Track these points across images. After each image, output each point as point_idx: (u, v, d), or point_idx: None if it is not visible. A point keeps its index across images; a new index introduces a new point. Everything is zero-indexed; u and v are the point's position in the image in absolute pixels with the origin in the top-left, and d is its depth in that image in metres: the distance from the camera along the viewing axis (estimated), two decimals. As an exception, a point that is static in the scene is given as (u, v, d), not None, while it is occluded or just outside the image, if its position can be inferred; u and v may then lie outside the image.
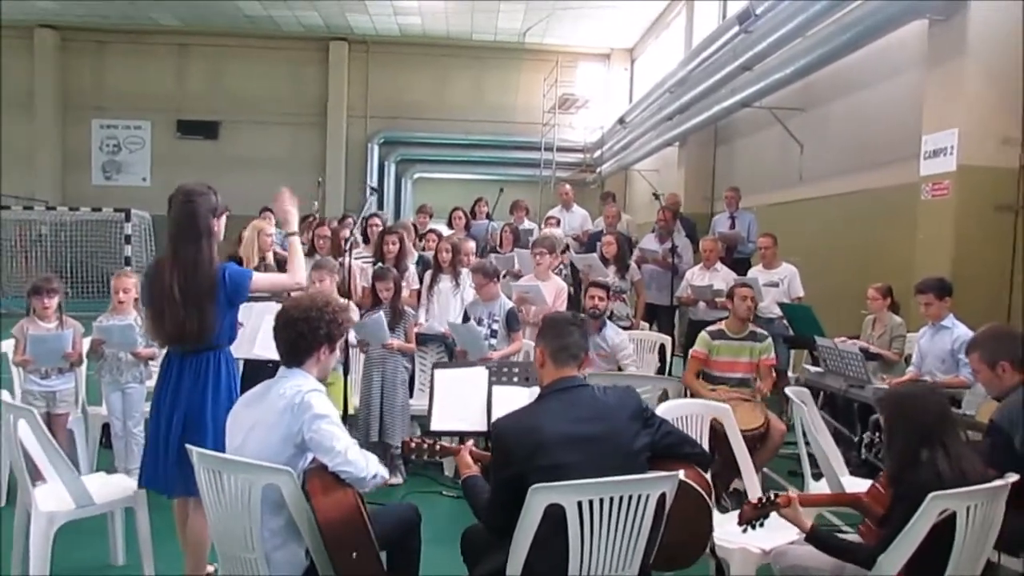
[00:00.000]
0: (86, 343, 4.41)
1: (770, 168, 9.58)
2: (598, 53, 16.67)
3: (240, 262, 5.00)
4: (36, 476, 3.24)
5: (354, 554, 2.26)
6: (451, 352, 5.24)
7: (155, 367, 4.55)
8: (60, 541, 3.13)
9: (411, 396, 5.10)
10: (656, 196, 7.68)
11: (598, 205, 13.59)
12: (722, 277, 6.36)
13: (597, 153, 15.60)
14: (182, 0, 14.47)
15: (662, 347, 5.93)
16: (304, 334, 2.52)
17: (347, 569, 2.29)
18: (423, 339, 5.26)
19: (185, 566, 3.10)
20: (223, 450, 2.63)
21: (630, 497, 2.20)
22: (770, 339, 4.85)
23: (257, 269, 4.72)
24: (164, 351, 3.31)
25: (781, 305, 6.08)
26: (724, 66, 8.87)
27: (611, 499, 2.18)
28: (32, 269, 13.98)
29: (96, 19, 15.76)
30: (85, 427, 4.56)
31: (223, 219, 3.17)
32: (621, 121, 13.77)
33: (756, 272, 6.56)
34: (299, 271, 3.26)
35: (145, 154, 16.80)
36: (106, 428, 4.67)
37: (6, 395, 3.41)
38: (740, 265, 7.31)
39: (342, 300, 3.28)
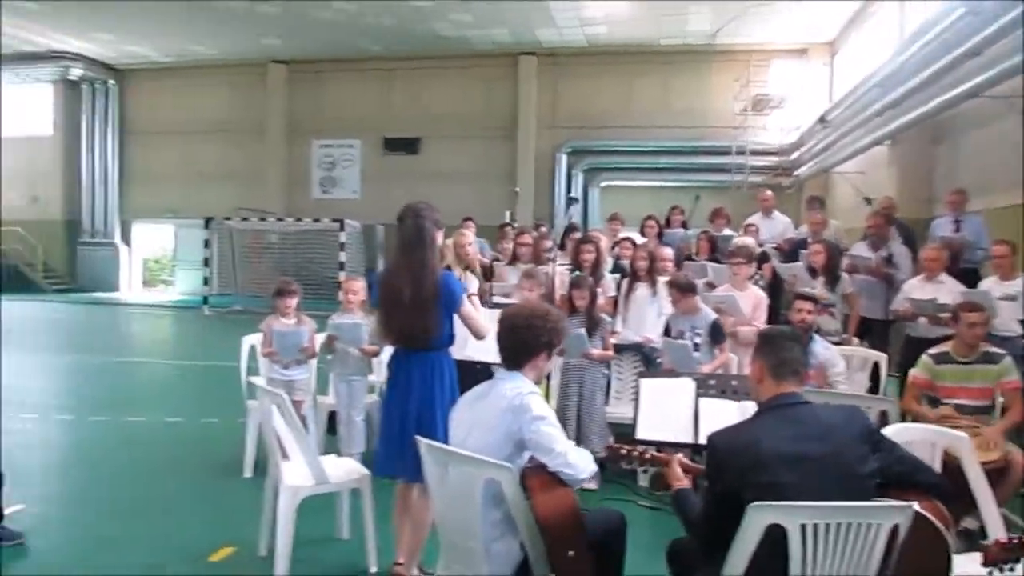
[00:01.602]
0: (318, 338, 4.94)
1: (1001, 166, 8.54)
2: (794, 49, 15.80)
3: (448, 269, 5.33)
4: (282, 454, 3.68)
5: (571, 552, 2.35)
6: (648, 360, 5.22)
7: (376, 362, 5.01)
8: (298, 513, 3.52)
9: (607, 403, 5.16)
10: (868, 201, 7.13)
11: (798, 210, 12.89)
12: (947, 289, 5.75)
13: (794, 155, 14.77)
14: (387, 28, 15.71)
15: (875, 365, 5.47)
16: (527, 340, 2.67)
17: (563, 567, 2.38)
18: (619, 348, 5.29)
19: (406, 544, 3.39)
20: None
21: (859, 525, 2.08)
22: (1009, 358, 4.30)
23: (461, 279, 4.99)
24: (391, 349, 3.65)
25: (1022, 322, 5.40)
26: (945, 53, 8.04)
27: (838, 525, 2.07)
28: (263, 273, 15.85)
29: (316, 52, 17.60)
30: (315, 414, 5.09)
31: (442, 232, 3.47)
32: (822, 120, 12.93)
33: (990, 284, 5.87)
34: (485, 328, 3.42)
35: (355, 170, 18.47)
36: (331, 416, 5.17)
37: (259, 381, 3.91)
38: (967, 276, 6.59)
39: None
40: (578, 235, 6.89)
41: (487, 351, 4.17)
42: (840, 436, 2.26)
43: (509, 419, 2.56)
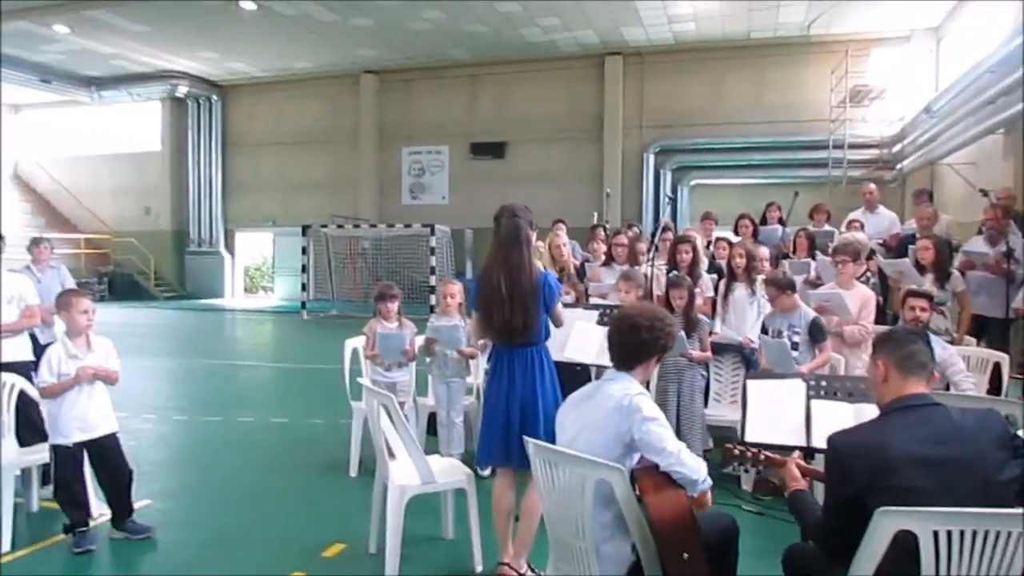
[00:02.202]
0: (417, 341, 5.05)
1: None
2: (896, 37, 15.05)
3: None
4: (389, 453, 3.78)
5: (685, 555, 2.31)
6: (748, 362, 5.09)
7: (473, 364, 5.09)
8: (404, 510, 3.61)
9: (706, 406, 5.06)
10: (984, 193, 6.72)
11: (901, 205, 12.27)
12: (1077, 285, 5.37)
13: (896, 148, 14.09)
14: (475, 35, 15.95)
15: (996, 366, 5.13)
16: (646, 341, 2.65)
17: (676, 569, 2.34)
18: (718, 348, 5.18)
19: (519, 533, 3.46)
20: (553, 438, 2.90)
21: (998, 533, 1.96)
22: None
23: (559, 279, 5.02)
24: (488, 349, 3.72)
25: None
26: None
27: (974, 533, 1.96)
28: (358, 278, 16.37)
29: (406, 60, 18.06)
30: (416, 415, 5.20)
31: (535, 233, 3.58)
32: (927, 110, 12.28)
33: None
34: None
35: (444, 176, 18.83)
36: (430, 417, 5.27)
37: (366, 383, 4.03)
38: (1099, 271, 6.12)
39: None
40: (670, 232, 6.79)
41: (587, 353, 4.20)
42: (976, 440, 2.14)
43: (618, 420, 2.55)
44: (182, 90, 20.08)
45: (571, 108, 17.59)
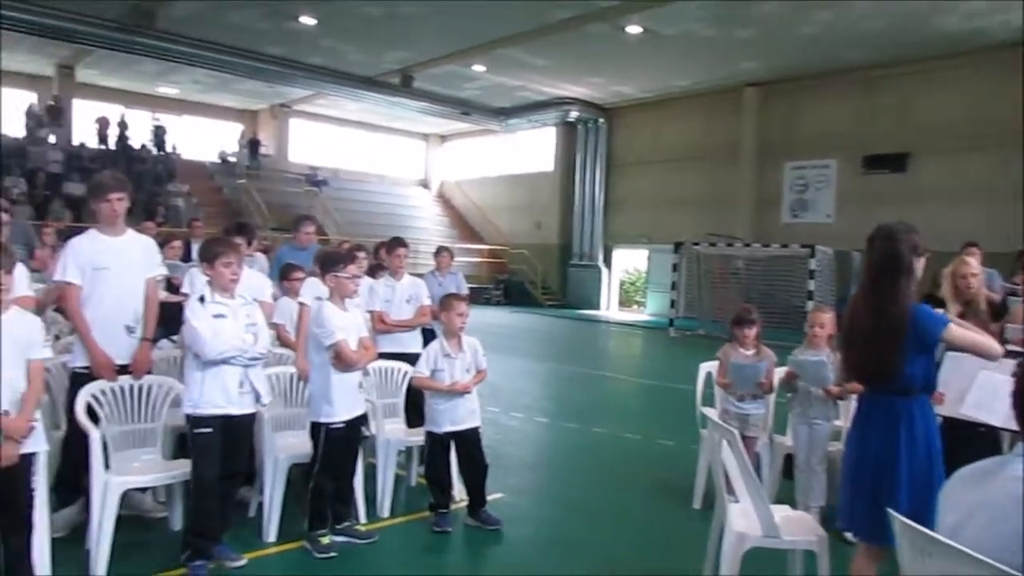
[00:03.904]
0: (778, 373, 4.58)
1: None
2: None
3: (938, 303, 4.46)
4: (730, 492, 3.45)
5: None
6: None
7: (843, 406, 4.45)
8: (744, 561, 3.24)
9: None
10: None
11: None
12: None
13: None
14: (873, 33, 14.30)
15: None
16: None
17: None
18: None
19: None
20: (919, 509, 2.46)
21: None
22: None
23: (963, 316, 4.10)
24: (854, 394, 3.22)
25: None
26: None
27: None
28: (728, 298, 15.86)
29: (791, 70, 17.02)
30: (771, 454, 4.73)
31: (923, 260, 2.97)
32: None
33: None
34: (993, 346, 2.92)
35: (829, 192, 17.29)
36: (787, 459, 4.74)
37: (711, 412, 3.76)
38: None
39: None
40: None
41: (993, 412, 3.34)
42: None
43: (1029, 513, 1.90)
44: (573, 115, 21.82)
45: (994, 108, 14.59)
